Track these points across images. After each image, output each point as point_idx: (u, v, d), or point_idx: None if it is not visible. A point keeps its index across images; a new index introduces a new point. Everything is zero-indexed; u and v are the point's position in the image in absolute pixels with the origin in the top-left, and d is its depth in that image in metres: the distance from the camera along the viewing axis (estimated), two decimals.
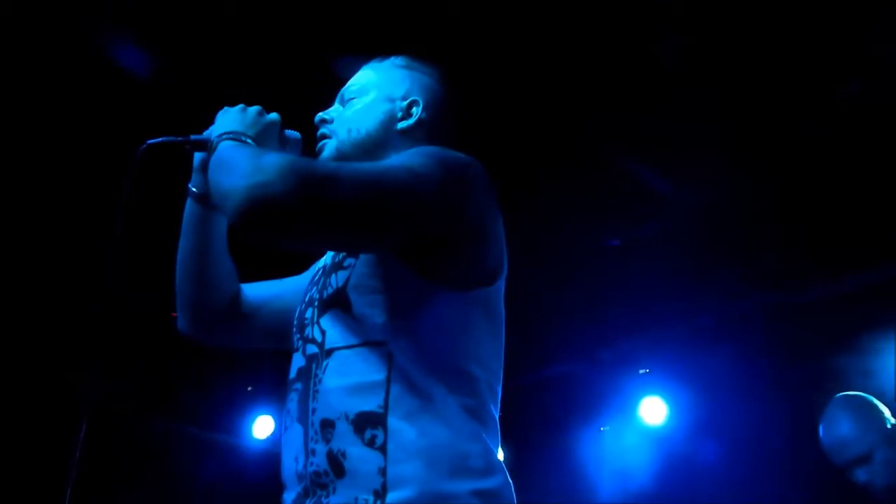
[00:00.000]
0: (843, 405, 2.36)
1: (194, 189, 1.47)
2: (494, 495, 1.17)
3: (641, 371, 4.71)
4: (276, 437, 5.09)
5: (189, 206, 1.49)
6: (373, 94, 1.45)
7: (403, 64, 1.50)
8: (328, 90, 1.53)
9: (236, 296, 1.52)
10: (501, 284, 1.33)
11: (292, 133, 1.45)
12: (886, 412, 2.32)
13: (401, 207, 1.17)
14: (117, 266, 1.42)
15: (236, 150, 1.24)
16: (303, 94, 1.66)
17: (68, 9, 2.70)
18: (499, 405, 1.30)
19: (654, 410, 4.59)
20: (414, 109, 1.44)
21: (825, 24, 2.62)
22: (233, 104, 1.41)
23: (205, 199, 1.45)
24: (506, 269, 1.34)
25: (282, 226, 1.12)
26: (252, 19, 2.73)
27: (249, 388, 5.17)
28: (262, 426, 5.13)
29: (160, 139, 1.39)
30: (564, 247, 3.91)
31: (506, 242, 1.35)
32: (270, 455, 5.08)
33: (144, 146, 1.38)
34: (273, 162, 1.12)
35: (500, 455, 1.30)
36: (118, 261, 1.42)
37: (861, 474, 2.26)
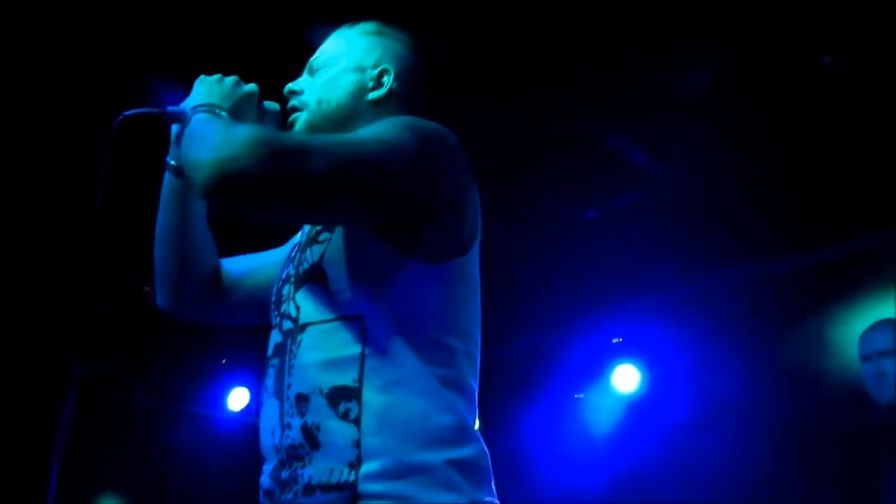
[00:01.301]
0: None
1: (172, 162, 1.43)
2: (469, 464, 1.18)
3: (614, 340, 4.77)
4: (251, 409, 5.10)
5: (167, 179, 1.45)
6: (342, 64, 1.42)
7: (374, 30, 1.46)
8: (300, 59, 1.49)
9: (216, 270, 1.49)
10: (476, 251, 1.32)
11: (271, 104, 1.42)
12: None
13: (374, 180, 1.16)
14: (99, 242, 1.39)
15: (208, 122, 1.22)
16: (276, 65, 1.62)
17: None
18: (478, 374, 1.30)
19: (626, 378, 4.66)
20: (385, 79, 1.41)
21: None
22: (209, 73, 1.38)
23: (183, 172, 1.40)
24: (479, 235, 1.33)
25: (251, 199, 1.11)
26: None
27: (224, 361, 5.16)
28: (237, 398, 5.12)
29: (136, 110, 1.36)
30: (540, 217, 3.92)
31: (481, 211, 1.34)
32: (246, 426, 5.09)
33: (120, 117, 1.35)
34: (242, 134, 1.11)
35: (477, 424, 1.31)
36: (100, 236, 1.38)
37: (870, 368, 2.31)
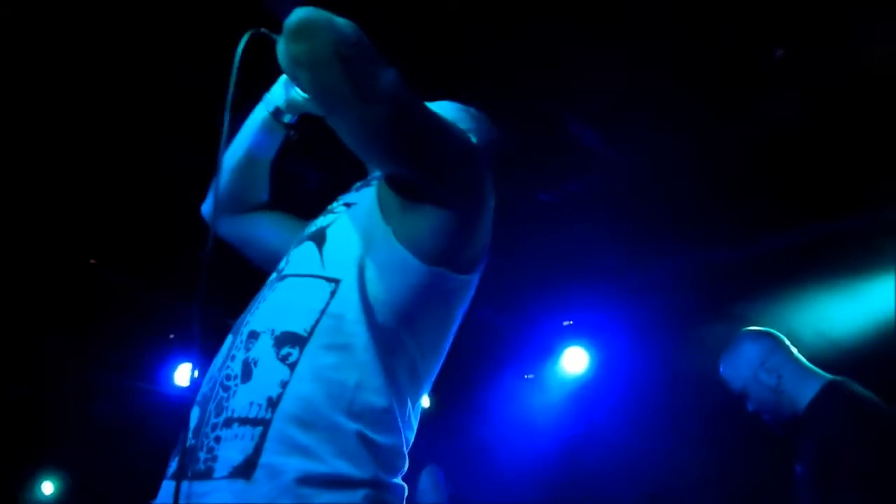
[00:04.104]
0: (731, 345, 2.48)
1: (271, 100, 1.55)
2: (381, 450, 1.19)
3: (565, 322, 4.83)
4: (198, 385, 5.04)
5: (259, 111, 1.56)
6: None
7: (472, 112, 1.61)
8: None
9: (263, 203, 1.61)
10: (472, 288, 1.38)
11: None
12: (773, 345, 2.39)
13: (422, 127, 1.27)
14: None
15: None
16: None
17: None
18: (418, 407, 1.32)
19: (575, 360, 4.72)
20: None
21: None
22: None
23: (277, 113, 1.54)
24: (479, 270, 1.40)
25: (319, 55, 1.19)
26: None
27: (171, 336, 5.08)
28: (184, 373, 5.05)
29: (267, 31, 1.39)
30: (496, 200, 3.92)
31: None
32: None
33: (249, 35, 1.38)
34: (348, 26, 1.22)
35: (427, 402, 1.32)
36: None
37: (748, 405, 2.40)
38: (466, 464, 4.68)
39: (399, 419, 1.25)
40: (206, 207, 1.60)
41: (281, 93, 1.54)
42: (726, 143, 3.39)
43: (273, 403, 1.16)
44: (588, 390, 4.68)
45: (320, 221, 1.39)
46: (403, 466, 1.25)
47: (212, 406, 1.22)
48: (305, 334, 1.21)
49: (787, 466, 2.29)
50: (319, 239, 1.33)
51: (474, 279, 1.38)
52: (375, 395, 1.21)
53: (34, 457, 5.21)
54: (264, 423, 1.15)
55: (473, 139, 1.48)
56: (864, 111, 3.12)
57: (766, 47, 2.93)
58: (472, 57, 3.01)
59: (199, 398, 1.28)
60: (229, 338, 1.31)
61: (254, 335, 1.25)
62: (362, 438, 1.17)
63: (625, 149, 3.56)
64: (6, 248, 3.94)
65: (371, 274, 1.25)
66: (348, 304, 1.23)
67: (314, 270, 1.28)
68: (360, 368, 1.20)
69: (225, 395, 1.21)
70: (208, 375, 1.30)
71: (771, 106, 3.15)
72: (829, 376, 2.31)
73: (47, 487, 5.43)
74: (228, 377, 1.23)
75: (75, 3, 2.71)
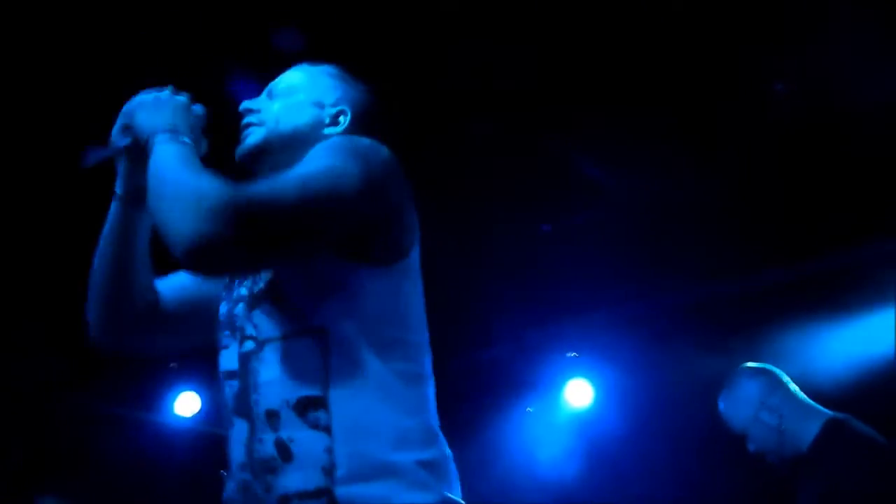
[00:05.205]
0: (728, 385, 2.45)
1: (120, 192, 1.41)
2: (436, 466, 1.24)
3: (569, 354, 4.80)
4: (200, 416, 5.00)
5: (115, 208, 1.41)
6: (303, 96, 1.47)
7: (335, 74, 1.52)
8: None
9: (155, 301, 1.44)
10: (417, 251, 1.37)
11: (198, 108, 1.40)
12: (773, 383, 2.37)
13: (332, 214, 1.22)
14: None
15: (177, 165, 1.22)
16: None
17: None
18: (431, 360, 1.36)
19: (579, 393, 4.69)
20: (341, 118, 1.46)
21: (758, 24, 2.72)
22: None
23: (131, 199, 1.40)
24: (419, 235, 1.38)
25: (227, 265, 1.23)
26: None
27: (173, 365, 5.07)
28: (186, 403, 5.02)
29: (95, 157, 1.34)
30: (496, 231, 3.95)
31: (421, 213, 1.38)
32: (195, 433, 5.00)
33: (83, 166, 1.34)
34: (215, 203, 1.11)
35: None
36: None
37: (750, 446, 2.37)
38: (468, 498, 4.63)
39: (434, 424, 1.28)
40: (95, 331, 1.43)
41: (128, 180, 1.39)
42: (728, 176, 3.41)
43: (328, 471, 1.17)
44: (593, 424, 4.64)
45: (263, 274, 1.31)
46: (455, 479, 1.28)
47: (259, 490, 1.22)
48: (322, 393, 1.21)
49: None
50: (275, 293, 1.28)
51: (419, 243, 1.37)
52: (411, 417, 1.24)
53: (33, 485, 5.18)
54: (327, 493, 1.16)
55: (349, 110, 1.45)
56: (862, 143, 3.14)
57: (764, 83, 2.97)
58: (474, 88, 3.05)
59: (238, 484, 1.26)
60: (241, 422, 1.27)
61: (272, 414, 1.23)
62: (420, 464, 1.20)
63: (627, 181, 3.58)
64: (3, 273, 3.96)
65: (347, 303, 1.24)
66: (344, 343, 1.23)
67: (292, 326, 1.25)
68: (386, 399, 1.22)
69: (272, 476, 1.21)
70: (236, 462, 1.27)
71: (770, 140, 3.18)
72: (830, 413, 2.29)
73: None
74: (265, 460, 1.22)
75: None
